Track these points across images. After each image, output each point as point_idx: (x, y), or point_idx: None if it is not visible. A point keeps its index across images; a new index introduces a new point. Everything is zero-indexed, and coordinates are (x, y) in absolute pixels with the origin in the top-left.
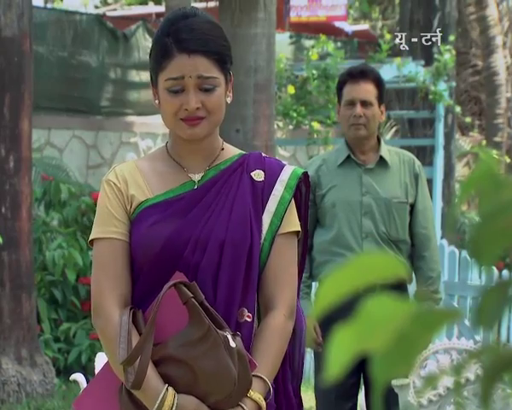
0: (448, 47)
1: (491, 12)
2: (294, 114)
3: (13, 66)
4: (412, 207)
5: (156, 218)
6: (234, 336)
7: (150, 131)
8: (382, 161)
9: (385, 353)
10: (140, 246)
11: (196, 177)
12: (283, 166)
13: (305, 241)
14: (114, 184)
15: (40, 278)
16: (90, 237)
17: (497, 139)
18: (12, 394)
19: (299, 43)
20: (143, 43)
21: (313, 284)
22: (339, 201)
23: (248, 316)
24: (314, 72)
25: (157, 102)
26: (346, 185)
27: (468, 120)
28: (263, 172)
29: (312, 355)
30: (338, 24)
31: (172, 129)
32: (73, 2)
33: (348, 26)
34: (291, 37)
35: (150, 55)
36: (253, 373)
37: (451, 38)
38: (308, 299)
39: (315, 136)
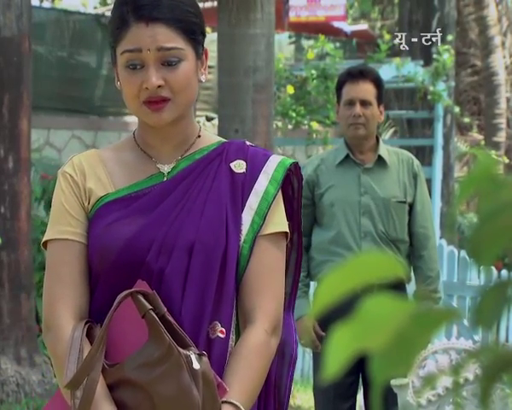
0: (447, 47)
1: (490, 12)
2: (293, 114)
3: (12, 66)
4: (411, 206)
5: (116, 216)
6: (200, 356)
7: None
8: (381, 161)
9: (384, 352)
10: (96, 249)
11: (166, 168)
12: (269, 155)
13: (299, 245)
14: (71, 176)
15: (39, 278)
16: (43, 239)
17: (496, 139)
18: (11, 394)
19: (299, 43)
20: None
21: (311, 283)
22: (337, 200)
23: (222, 331)
24: (313, 72)
25: (118, 83)
26: (345, 185)
27: (467, 120)
28: (244, 163)
29: (311, 355)
30: (337, 24)
31: (136, 114)
32: (73, 3)
33: (347, 26)
34: (290, 37)
35: (108, 30)
36: (224, 399)
37: (450, 38)
38: (306, 298)
39: (314, 136)
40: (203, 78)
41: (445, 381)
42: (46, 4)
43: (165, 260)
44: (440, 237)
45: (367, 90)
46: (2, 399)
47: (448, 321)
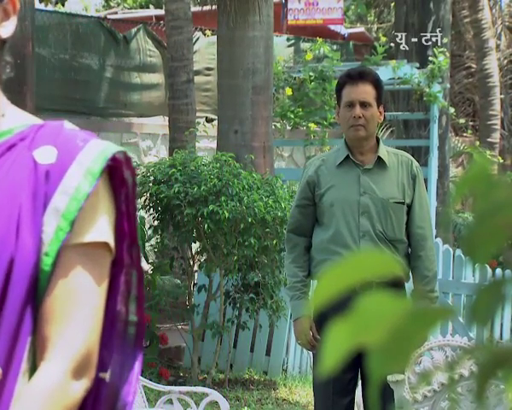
0: (442, 49)
1: (485, 15)
2: (292, 116)
3: (15, 68)
4: (409, 207)
5: None
6: None
7: (150, 131)
8: (380, 162)
9: (381, 349)
10: None
11: None
12: (89, 140)
13: (137, 260)
14: None
15: None
16: None
17: (490, 140)
18: None
19: (297, 45)
20: (144, 45)
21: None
22: (337, 200)
23: None
24: (311, 74)
25: None
26: (345, 185)
27: (461, 121)
28: (55, 151)
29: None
30: (334, 27)
31: None
32: (75, 6)
33: (344, 29)
34: (288, 39)
35: None
36: None
37: (445, 40)
38: (305, 299)
39: (312, 137)
40: (3, 31)
41: (441, 377)
42: (49, 7)
43: None
44: (436, 236)
45: (366, 91)
46: None
47: (443, 319)
